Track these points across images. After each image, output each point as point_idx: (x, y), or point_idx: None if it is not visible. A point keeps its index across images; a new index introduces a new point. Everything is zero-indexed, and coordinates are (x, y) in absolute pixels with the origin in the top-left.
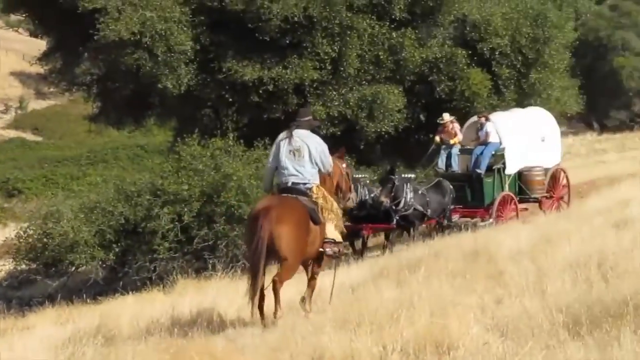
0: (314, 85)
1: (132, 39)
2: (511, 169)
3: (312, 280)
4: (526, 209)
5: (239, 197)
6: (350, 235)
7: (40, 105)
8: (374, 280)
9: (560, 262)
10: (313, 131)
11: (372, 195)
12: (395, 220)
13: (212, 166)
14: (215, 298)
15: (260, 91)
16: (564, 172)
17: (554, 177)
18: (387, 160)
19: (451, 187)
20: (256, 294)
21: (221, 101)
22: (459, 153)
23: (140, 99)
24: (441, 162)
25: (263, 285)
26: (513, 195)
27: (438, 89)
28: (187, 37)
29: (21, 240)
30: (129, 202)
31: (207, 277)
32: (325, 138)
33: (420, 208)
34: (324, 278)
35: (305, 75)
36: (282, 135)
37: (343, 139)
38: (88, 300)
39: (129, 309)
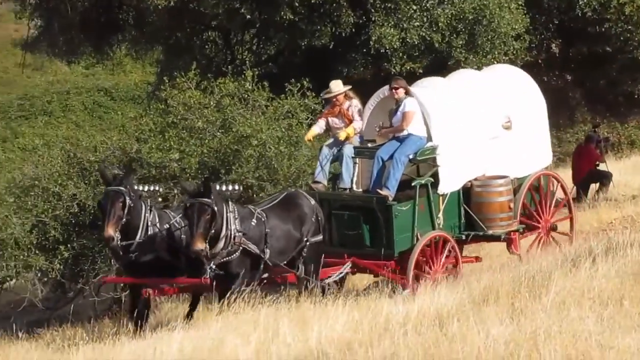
0: None
1: None
2: (449, 184)
3: None
4: (477, 259)
5: (260, 173)
6: (131, 295)
7: None
8: (474, 309)
9: None
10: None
11: (168, 224)
12: (208, 273)
13: (218, 123)
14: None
15: (296, 4)
16: (559, 183)
17: (537, 193)
18: None
19: (313, 204)
20: None
21: (233, 20)
22: (353, 155)
23: (105, 17)
24: (320, 172)
25: None
26: (449, 237)
27: (580, 2)
28: None
29: None
30: (86, 178)
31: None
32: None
33: (252, 247)
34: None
35: None
36: None
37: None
38: (19, 335)
39: (91, 355)
